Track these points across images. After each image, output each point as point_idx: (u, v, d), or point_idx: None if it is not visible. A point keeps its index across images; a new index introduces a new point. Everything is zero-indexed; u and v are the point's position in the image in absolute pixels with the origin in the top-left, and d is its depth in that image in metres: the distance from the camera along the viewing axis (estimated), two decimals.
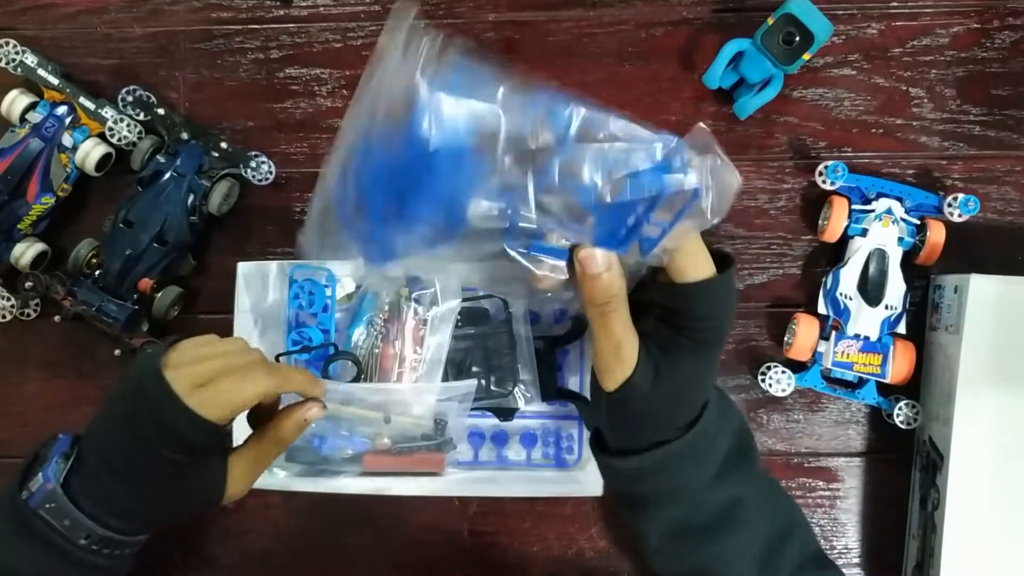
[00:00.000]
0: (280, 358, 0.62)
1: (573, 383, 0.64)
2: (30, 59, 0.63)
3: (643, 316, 0.47)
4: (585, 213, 0.42)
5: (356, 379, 0.62)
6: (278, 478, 0.62)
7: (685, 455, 0.47)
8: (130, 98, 0.64)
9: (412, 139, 0.41)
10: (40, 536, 0.46)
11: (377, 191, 0.42)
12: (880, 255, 0.61)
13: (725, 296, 0.46)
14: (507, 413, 0.63)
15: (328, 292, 0.63)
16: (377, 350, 0.63)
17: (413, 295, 0.63)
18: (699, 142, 0.42)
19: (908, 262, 0.62)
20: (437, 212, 0.42)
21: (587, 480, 0.62)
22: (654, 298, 0.47)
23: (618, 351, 0.46)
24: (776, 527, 0.49)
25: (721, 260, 0.46)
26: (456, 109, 0.41)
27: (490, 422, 0.65)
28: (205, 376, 0.45)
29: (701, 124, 0.41)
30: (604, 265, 0.44)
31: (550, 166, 0.42)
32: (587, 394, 0.63)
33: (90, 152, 0.62)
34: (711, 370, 0.48)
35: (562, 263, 0.44)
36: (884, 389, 0.62)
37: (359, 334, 0.63)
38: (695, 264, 0.45)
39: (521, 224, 0.43)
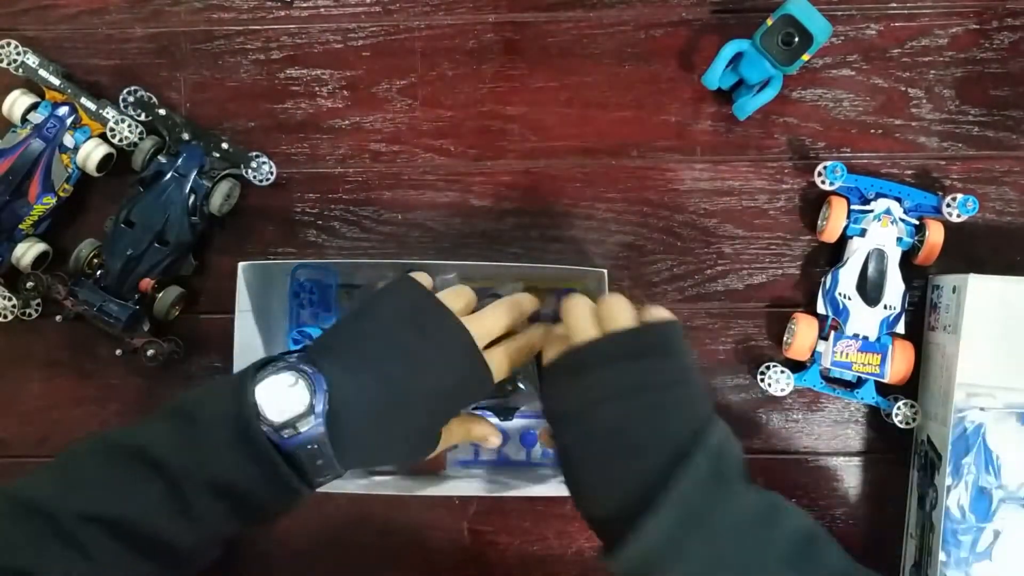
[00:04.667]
0: None
1: None
2: (31, 60, 0.63)
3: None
4: None
5: None
6: None
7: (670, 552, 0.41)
8: (131, 99, 0.64)
9: None
10: (275, 468, 0.43)
11: None
12: (879, 255, 0.61)
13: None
14: (507, 412, 0.63)
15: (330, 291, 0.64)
16: None
17: None
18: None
19: (907, 262, 0.62)
20: None
21: None
22: None
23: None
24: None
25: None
26: None
27: (491, 421, 0.65)
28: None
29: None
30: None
31: None
32: None
33: (91, 152, 0.63)
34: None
35: None
36: (883, 389, 0.63)
37: None
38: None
39: None
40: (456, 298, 0.50)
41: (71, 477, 0.45)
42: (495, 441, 0.55)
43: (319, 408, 0.44)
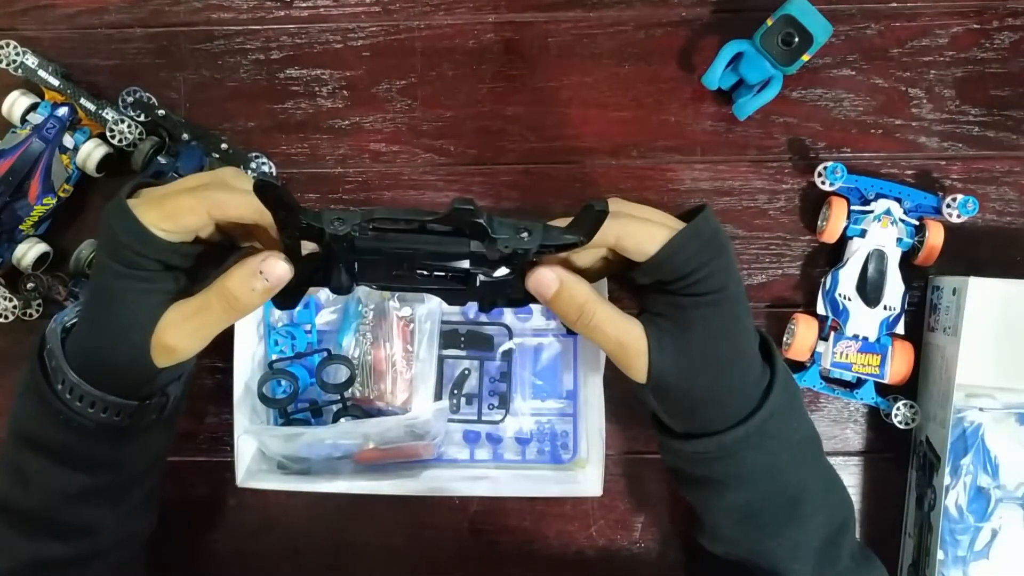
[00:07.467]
0: (274, 365, 0.62)
1: (568, 380, 0.65)
2: (31, 60, 0.63)
3: (641, 292, 0.45)
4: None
5: (349, 382, 0.62)
6: (276, 477, 0.62)
7: (753, 443, 0.45)
8: (130, 99, 0.64)
9: None
10: (35, 388, 0.45)
11: None
12: (879, 256, 0.61)
13: (701, 243, 0.42)
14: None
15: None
16: (369, 356, 0.63)
17: (395, 294, 0.63)
18: None
19: (907, 263, 0.62)
20: None
21: (586, 480, 0.62)
22: (638, 277, 0.45)
23: (623, 347, 0.43)
24: (835, 521, 0.48)
25: (694, 211, 0.44)
26: None
27: (485, 424, 0.65)
28: (161, 195, 0.43)
29: None
30: (555, 280, 0.43)
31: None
32: (584, 393, 0.63)
33: (91, 153, 0.63)
34: (735, 319, 0.44)
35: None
36: (882, 389, 0.63)
37: (349, 342, 0.63)
38: (649, 237, 0.42)
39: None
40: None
41: None
42: (272, 266, 0.42)
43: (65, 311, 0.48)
